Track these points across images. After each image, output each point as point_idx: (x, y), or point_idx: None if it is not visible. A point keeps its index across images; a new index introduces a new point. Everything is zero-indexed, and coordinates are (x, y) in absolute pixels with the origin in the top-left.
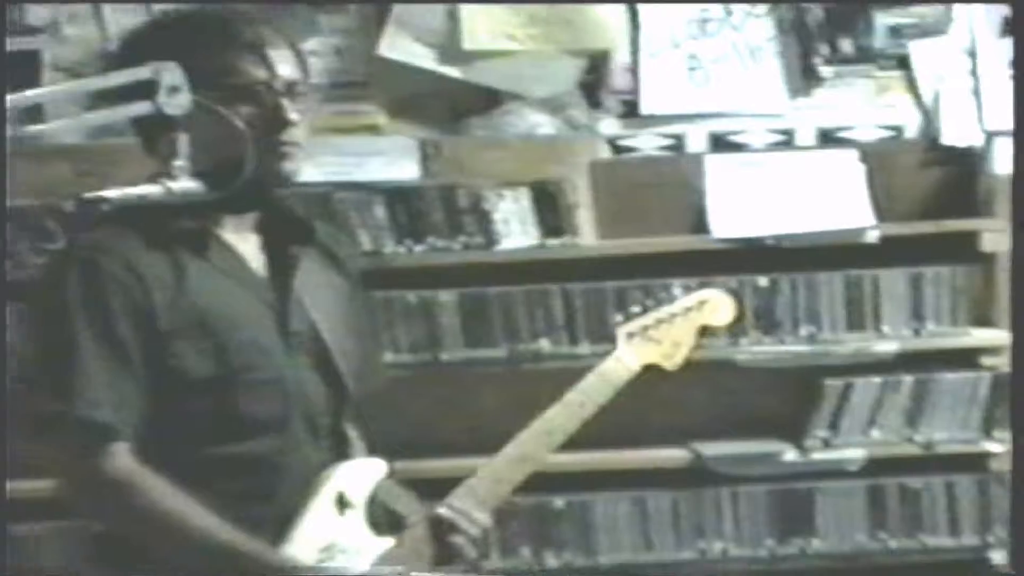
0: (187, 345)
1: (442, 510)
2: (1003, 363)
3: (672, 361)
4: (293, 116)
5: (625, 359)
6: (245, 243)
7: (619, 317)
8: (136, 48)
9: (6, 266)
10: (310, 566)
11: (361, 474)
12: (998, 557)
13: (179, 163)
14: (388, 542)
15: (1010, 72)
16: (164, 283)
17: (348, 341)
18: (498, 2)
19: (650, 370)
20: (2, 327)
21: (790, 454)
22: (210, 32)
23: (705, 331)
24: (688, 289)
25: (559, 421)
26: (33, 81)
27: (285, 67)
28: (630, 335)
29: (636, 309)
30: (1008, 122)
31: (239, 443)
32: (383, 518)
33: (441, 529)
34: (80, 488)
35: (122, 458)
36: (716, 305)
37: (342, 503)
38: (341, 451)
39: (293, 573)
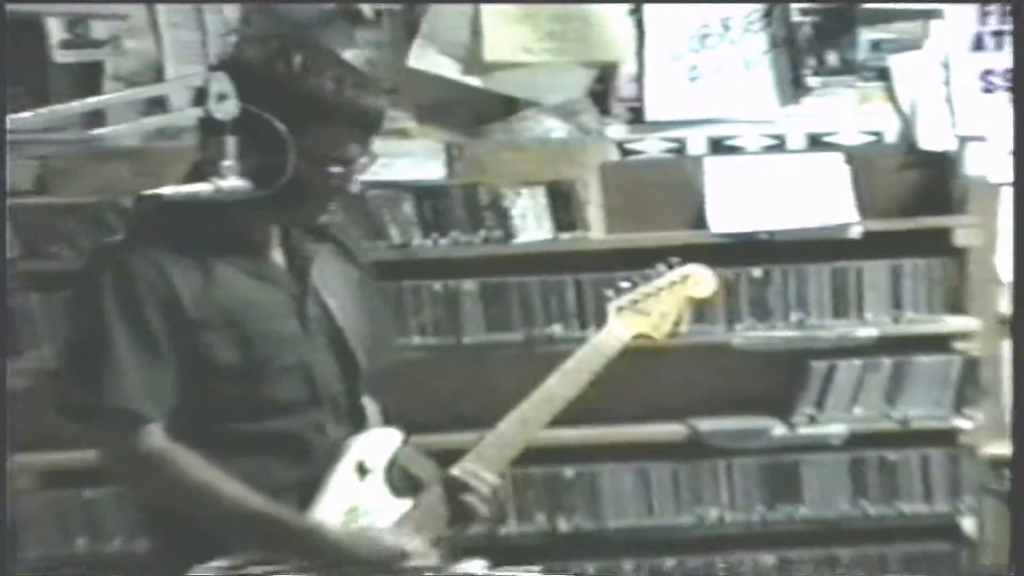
0: (215, 336)
1: (455, 471)
2: (973, 347)
3: (660, 331)
4: (354, 186)
5: (616, 331)
6: (267, 240)
7: (610, 293)
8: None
9: (68, 257)
10: (332, 529)
11: (379, 443)
12: (967, 523)
13: (227, 163)
14: (407, 503)
15: (1010, 73)
16: (192, 280)
17: (360, 324)
18: (517, 2)
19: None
20: (2, 327)
21: (779, 429)
22: (330, 101)
23: (691, 304)
24: (672, 265)
25: (558, 389)
26: (96, 89)
27: (371, 147)
28: (620, 309)
29: (625, 285)
30: (979, 128)
31: (265, 421)
32: (401, 481)
33: (455, 489)
34: (118, 466)
35: (155, 438)
36: (698, 279)
37: (362, 470)
38: (359, 424)
39: (316, 536)
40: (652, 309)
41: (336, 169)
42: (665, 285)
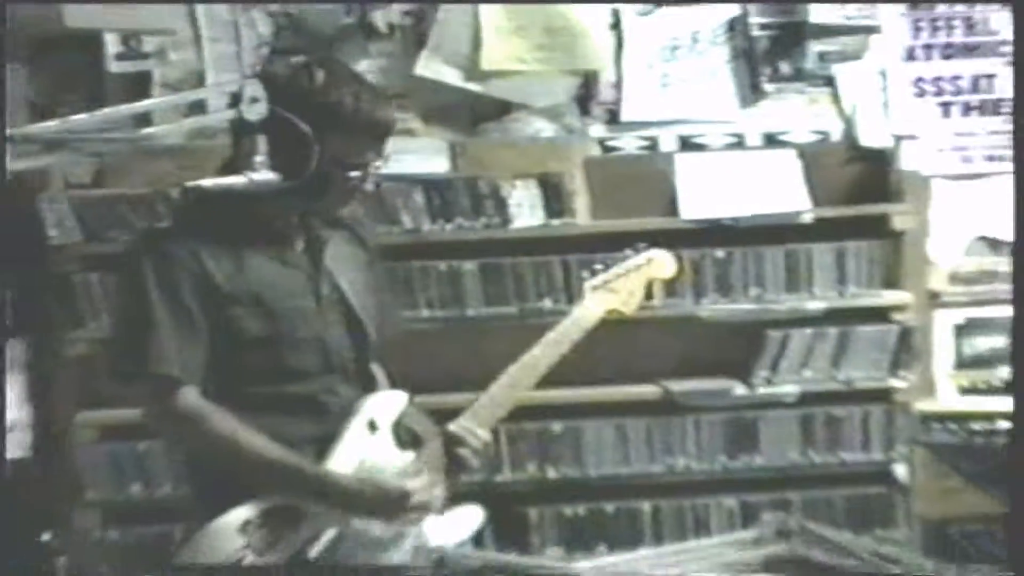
0: (243, 311)
1: (451, 427)
2: (907, 318)
3: (628, 306)
4: (368, 185)
5: (591, 307)
6: (288, 228)
7: (585, 274)
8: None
9: (123, 241)
10: (342, 475)
11: (386, 403)
12: (900, 470)
13: (258, 158)
14: (410, 456)
15: (1011, 70)
16: (224, 263)
17: (368, 301)
18: (516, 2)
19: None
20: (2, 327)
21: (739, 389)
22: (348, 112)
23: (656, 283)
24: (639, 250)
25: (541, 357)
26: (145, 95)
27: (383, 151)
28: (594, 288)
29: (598, 267)
30: (911, 128)
31: (285, 385)
32: (406, 437)
33: (451, 443)
34: (158, 423)
35: (189, 398)
36: (661, 262)
37: (372, 426)
38: (368, 387)
39: (327, 482)
40: (621, 288)
41: (353, 173)
42: (632, 267)
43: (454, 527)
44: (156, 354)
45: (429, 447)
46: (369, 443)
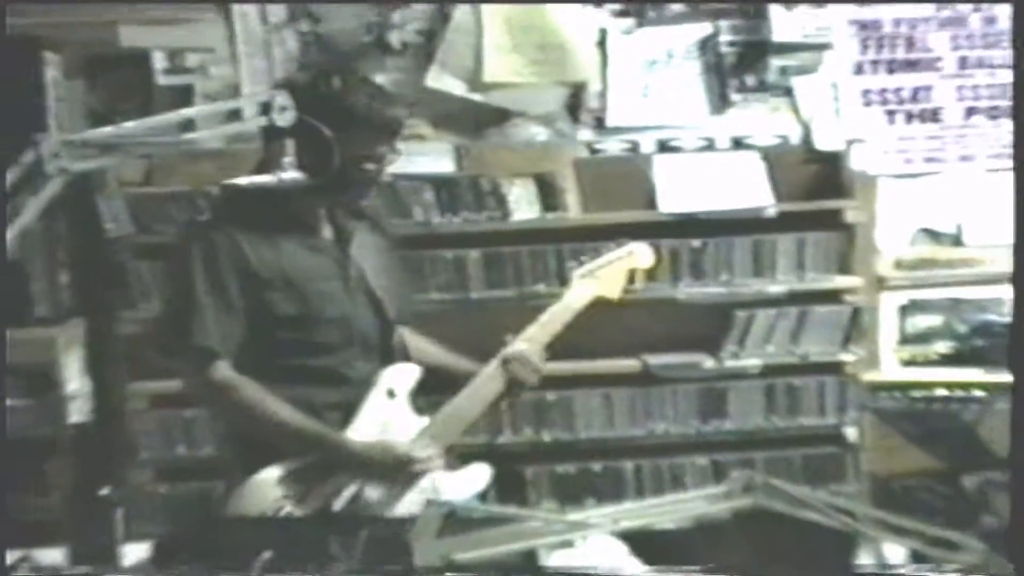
0: (277, 293)
1: (510, 350)
2: (857, 300)
3: (612, 292)
4: (384, 176)
5: (578, 293)
6: (318, 220)
7: (573, 264)
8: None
9: (169, 232)
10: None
11: (403, 374)
12: (850, 432)
13: (287, 159)
14: (424, 420)
15: (1011, 72)
16: (260, 250)
17: (389, 285)
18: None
19: (599, 301)
20: (2, 328)
21: (710, 363)
22: (360, 113)
23: (637, 272)
24: (620, 244)
25: (537, 334)
26: (188, 104)
27: (396, 146)
28: (582, 276)
29: (585, 259)
30: (860, 133)
31: (313, 358)
32: (427, 398)
33: (511, 362)
34: (196, 391)
35: (224, 370)
36: (641, 254)
37: (391, 394)
38: (387, 360)
39: (343, 446)
40: (605, 276)
41: (370, 166)
42: (615, 258)
43: (465, 483)
44: (199, 329)
45: (477, 380)
46: (388, 409)
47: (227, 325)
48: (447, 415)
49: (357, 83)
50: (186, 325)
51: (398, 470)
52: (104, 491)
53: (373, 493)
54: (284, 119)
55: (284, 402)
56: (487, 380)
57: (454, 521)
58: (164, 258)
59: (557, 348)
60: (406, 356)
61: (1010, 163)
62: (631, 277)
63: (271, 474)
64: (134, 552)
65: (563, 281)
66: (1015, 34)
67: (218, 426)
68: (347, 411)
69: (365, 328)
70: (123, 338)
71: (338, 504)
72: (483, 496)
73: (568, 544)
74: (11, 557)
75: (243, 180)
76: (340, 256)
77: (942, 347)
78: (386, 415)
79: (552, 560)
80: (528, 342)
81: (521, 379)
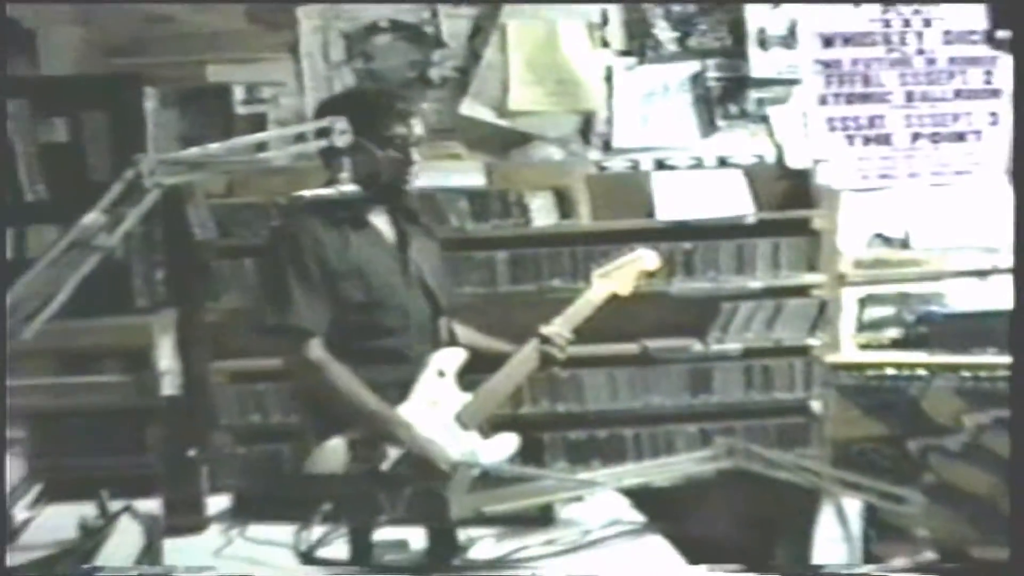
0: (349, 284)
1: (544, 329)
2: (822, 294)
3: (625, 290)
4: (415, 157)
5: (597, 290)
6: (382, 224)
7: (593, 267)
8: (330, 109)
9: (247, 236)
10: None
11: (452, 356)
12: (815, 405)
13: (344, 175)
14: (468, 396)
15: (1011, 73)
16: (336, 247)
17: (439, 280)
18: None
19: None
20: (2, 327)
21: (698, 346)
22: (378, 104)
23: (645, 274)
24: (632, 249)
25: (563, 324)
26: (262, 129)
27: (417, 128)
28: (600, 276)
29: (603, 261)
30: (824, 154)
31: (378, 340)
32: (471, 374)
33: (543, 342)
34: (293, 367)
35: (316, 348)
36: (648, 258)
37: (441, 374)
38: (437, 345)
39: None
40: (619, 277)
41: (392, 151)
42: (627, 262)
43: (497, 449)
44: (294, 311)
45: (516, 358)
46: (439, 386)
47: (316, 308)
48: (486, 391)
49: (376, 88)
50: (283, 308)
51: (430, 472)
52: (192, 452)
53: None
54: (342, 141)
55: (363, 385)
56: (523, 358)
57: (483, 480)
58: (250, 260)
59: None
60: (453, 342)
61: (960, 177)
62: (640, 277)
63: (345, 437)
64: (217, 503)
65: (576, 277)
66: (1015, 33)
67: (297, 396)
68: (404, 387)
69: (421, 316)
70: (207, 324)
71: (385, 465)
72: (510, 460)
73: (579, 499)
74: (115, 506)
75: (307, 192)
76: (401, 255)
77: (892, 333)
78: (435, 391)
79: (565, 512)
80: (558, 327)
81: (552, 356)
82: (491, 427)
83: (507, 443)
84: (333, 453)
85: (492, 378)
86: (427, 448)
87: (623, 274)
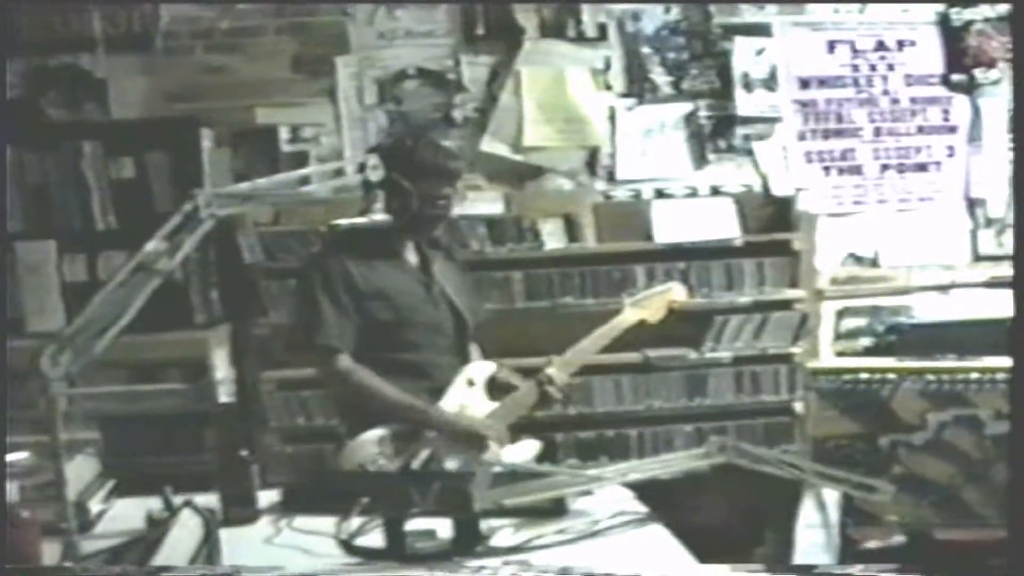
0: (377, 304)
1: (547, 371)
2: (803, 307)
3: (654, 318)
4: (453, 211)
5: (628, 316)
6: (407, 250)
7: (624, 295)
8: (387, 157)
9: (291, 260)
10: (444, 411)
11: (481, 368)
12: (798, 406)
13: (377, 206)
14: (495, 404)
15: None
16: (364, 272)
17: (463, 298)
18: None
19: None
20: (2, 327)
21: (694, 355)
22: (433, 164)
23: (673, 304)
24: (664, 280)
25: (590, 345)
26: (305, 165)
27: (459, 188)
28: (632, 304)
29: (635, 291)
30: (803, 183)
31: (404, 354)
32: (494, 391)
33: (544, 382)
34: (325, 378)
35: (345, 361)
36: (678, 290)
37: (470, 383)
38: (464, 358)
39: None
40: (649, 305)
41: (440, 203)
42: (658, 292)
43: (519, 453)
44: (323, 331)
45: (519, 391)
46: (467, 394)
47: (343, 327)
48: (508, 403)
49: (425, 143)
50: (313, 330)
51: (473, 440)
52: (244, 452)
53: (448, 457)
54: (375, 175)
55: (390, 384)
56: (522, 395)
57: (503, 476)
58: (294, 281)
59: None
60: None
61: (923, 203)
62: (669, 306)
63: (374, 434)
64: (267, 497)
65: (584, 295)
66: (1015, 33)
67: (332, 402)
68: (432, 396)
69: (447, 332)
70: (257, 338)
71: (416, 463)
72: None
73: (588, 492)
74: (177, 500)
75: (344, 221)
76: (424, 277)
77: (865, 342)
78: (464, 399)
79: (576, 505)
80: (564, 365)
81: (551, 396)
82: (516, 433)
83: (529, 448)
84: (360, 448)
85: (509, 396)
86: (460, 419)
87: (654, 303)
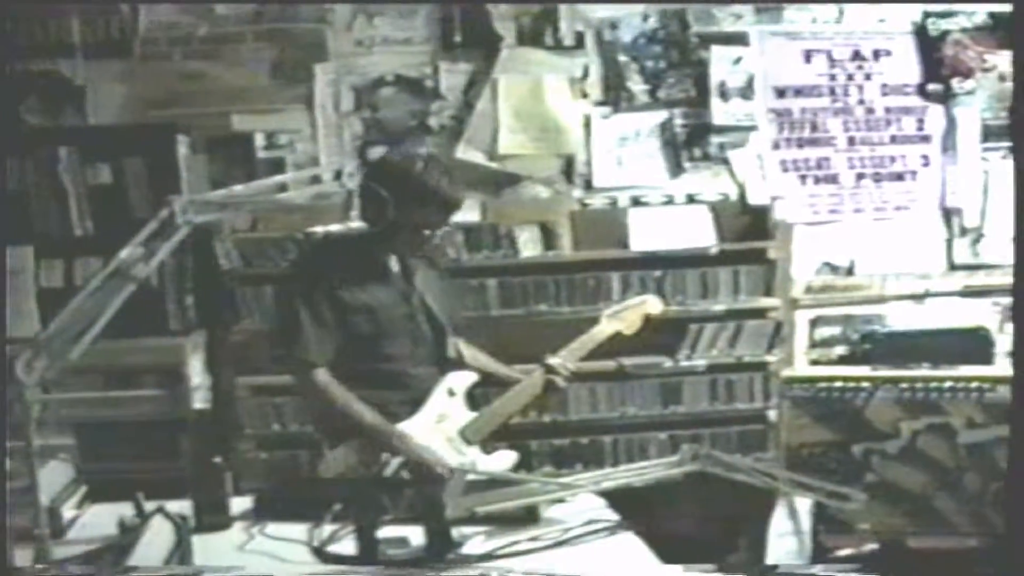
0: (358, 316)
1: (551, 360)
2: (777, 315)
3: (630, 330)
4: (438, 235)
5: (605, 328)
6: (388, 259)
7: (602, 306)
8: (381, 176)
9: (268, 266)
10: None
11: (463, 377)
12: (772, 414)
13: (353, 212)
14: (474, 414)
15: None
16: (345, 282)
17: (443, 306)
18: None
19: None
20: (2, 329)
21: (669, 362)
22: (433, 192)
23: (648, 317)
24: (639, 293)
25: (568, 356)
26: (281, 172)
27: (452, 216)
28: (609, 316)
29: (609, 299)
30: (779, 192)
31: (386, 365)
32: (490, 388)
33: (549, 372)
34: (301, 390)
35: (322, 375)
36: (653, 303)
37: (451, 392)
38: (443, 366)
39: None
40: (626, 318)
41: (427, 232)
42: (634, 304)
43: (496, 463)
44: (302, 345)
45: (525, 381)
46: (448, 403)
47: (323, 341)
48: (491, 411)
49: (435, 168)
50: (291, 343)
51: (425, 474)
52: (218, 458)
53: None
54: (351, 182)
55: (363, 403)
56: (529, 384)
57: (475, 483)
58: (271, 288)
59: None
60: (461, 362)
61: (898, 212)
62: (645, 319)
63: (352, 445)
64: (240, 503)
65: (560, 303)
66: (1015, 33)
67: (311, 414)
68: (412, 406)
69: (426, 342)
70: (233, 345)
71: (388, 471)
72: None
73: (561, 500)
74: (150, 506)
75: (319, 228)
76: (405, 287)
77: (840, 350)
78: (444, 408)
79: (548, 513)
80: (562, 359)
81: (556, 384)
82: (492, 440)
83: (506, 458)
84: (336, 460)
85: (497, 400)
86: (422, 455)
87: (630, 315)
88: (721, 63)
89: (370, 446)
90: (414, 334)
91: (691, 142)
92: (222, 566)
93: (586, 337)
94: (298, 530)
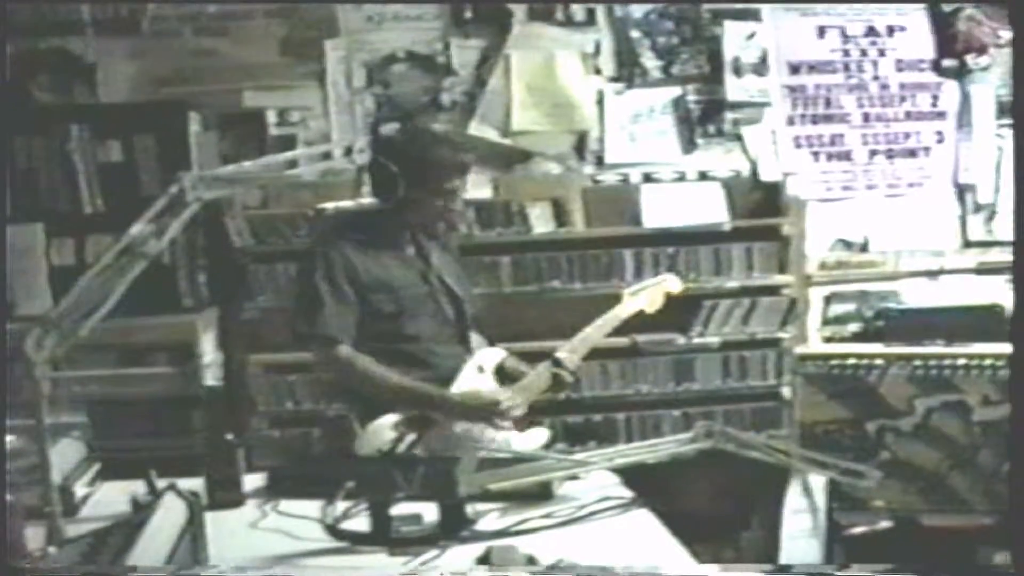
0: (378, 295)
1: (558, 354)
2: (791, 292)
3: (652, 308)
4: (456, 218)
5: (627, 306)
6: (404, 239)
7: (615, 282)
8: (389, 149)
9: (280, 243)
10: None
11: (490, 354)
12: (785, 391)
13: (365, 189)
14: (506, 391)
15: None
16: (364, 261)
17: (460, 286)
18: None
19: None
20: (2, 329)
21: (682, 339)
22: (440, 157)
23: (669, 295)
24: (652, 270)
25: (594, 333)
26: (292, 148)
27: (466, 183)
28: (631, 294)
29: (622, 274)
30: (792, 167)
31: (405, 345)
32: (503, 377)
33: (555, 365)
34: (323, 368)
35: (345, 350)
36: (673, 281)
37: (480, 369)
38: (465, 346)
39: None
40: (647, 296)
41: (439, 201)
42: (655, 283)
43: (529, 440)
44: (322, 321)
45: (531, 375)
46: (477, 380)
47: (344, 317)
48: (520, 388)
49: (436, 136)
50: (313, 319)
51: (487, 413)
52: (230, 436)
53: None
54: (362, 159)
55: (392, 370)
56: (537, 377)
57: (489, 460)
58: (282, 265)
59: (567, 331)
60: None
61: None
62: (666, 297)
63: (388, 419)
64: (253, 480)
65: (572, 279)
66: (1015, 33)
67: (338, 391)
68: (437, 385)
69: (446, 321)
70: (245, 322)
71: (401, 447)
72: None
73: (575, 477)
74: (161, 483)
75: (329, 204)
76: (423, 267)
77: (853, 327)
78: (473, 385)
79: (562, 489)
80: (571, 352)
81: (562, 379)
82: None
83: (539, 436)
84: (376, 433)
85: (517, 383)
86: (475, 401)
87: (651, 294)
88: (734, 39)
89: (409, 420)
90: (436, 313)
91: (704, 118)
92: (222, 566)
93: (608, 316)
94: (311, 507)
